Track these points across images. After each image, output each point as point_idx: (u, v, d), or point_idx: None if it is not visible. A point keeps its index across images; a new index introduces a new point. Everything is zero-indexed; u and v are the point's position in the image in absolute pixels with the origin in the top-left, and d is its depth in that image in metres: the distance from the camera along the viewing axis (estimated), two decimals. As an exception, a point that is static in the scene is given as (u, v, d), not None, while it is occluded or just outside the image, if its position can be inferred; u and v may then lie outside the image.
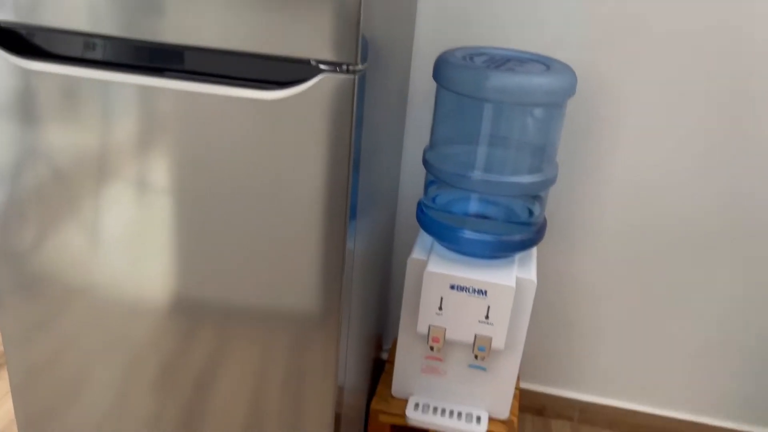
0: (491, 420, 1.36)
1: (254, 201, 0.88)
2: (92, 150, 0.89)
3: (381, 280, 1.38)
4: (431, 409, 1.35)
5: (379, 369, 1.51)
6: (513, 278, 1.21)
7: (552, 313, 1.53)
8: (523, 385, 1.60)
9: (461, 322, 1.23)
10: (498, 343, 1.23)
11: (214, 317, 0.96)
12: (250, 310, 0.95)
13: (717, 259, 1.41)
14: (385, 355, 1.61)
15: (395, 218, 1.46)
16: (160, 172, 0.89)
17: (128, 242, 0.94)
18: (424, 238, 1.33)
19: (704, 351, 1.49)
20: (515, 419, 1.37)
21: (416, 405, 1.36)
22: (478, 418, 1.34)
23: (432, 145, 1.26)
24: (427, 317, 1.24)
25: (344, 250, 0.89)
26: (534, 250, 1.34)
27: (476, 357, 1.27)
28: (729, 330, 1.46)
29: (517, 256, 1.30)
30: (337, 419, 1.03)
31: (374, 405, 1.37)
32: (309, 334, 0.96)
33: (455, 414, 1.34)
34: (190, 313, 0.97)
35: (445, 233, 1.24)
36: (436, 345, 1.26)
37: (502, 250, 1.24)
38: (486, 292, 1.20)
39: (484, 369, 1.31)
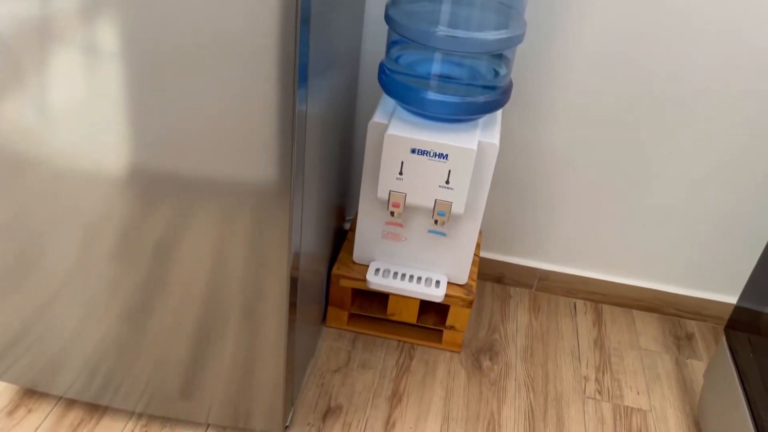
0: (450, 284, 1.38)
1: (203, 60, 0.82)
2: (35, 16, 0.81)
3: (343, 146, 1.34)
4: (391, 273, 1.37)
5: (342, 238, 1.51)
6: (475, 141, 1.18)
7: (514, 181, 1.52)
8: (483, 254, 1.63)
9: (422, 186, 1.21)
10: (458, 208, 1.23)
11: (169, 186, 0.92)
12: (206, 179, 0.91)
13: (683, 132, 1.39)
14: (348, 225, 1.60)
15: (357, 81, 1.41)
16: (108, 35, 0.81)
17: (79, 111, 0.88)
18: (387, 102, 1.29)
19: (665, 221, 1.51)
20: (474, 283, 1.40)
21: (377, 270, 1.37)
22: (437, 282, 1.36)
23: (395, 1, 1.18)
24: (387, 182, 1.22)
25: (294, 112, 0.84)
26: (499, 115, 1.31)
27: (436, 222, 1.26)
28: (690, 200, 1.47)
29: (481, 120, 1.26)
30: (293, 283, 1.03)
31: (335, 270, 1.38)
32: (263, 202, 0.93)
33: (415, 278, 1.36)
34: (146, 183, 0.93)
35: (408, 95, 1.19)
36: (396, 210, 1.25)
37: (465, 112, 1.20)
38: (447, 155, 1.18)
39: (443, 234, 1.32)
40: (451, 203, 1.22)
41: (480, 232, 1.59)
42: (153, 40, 0.81)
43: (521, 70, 1.38)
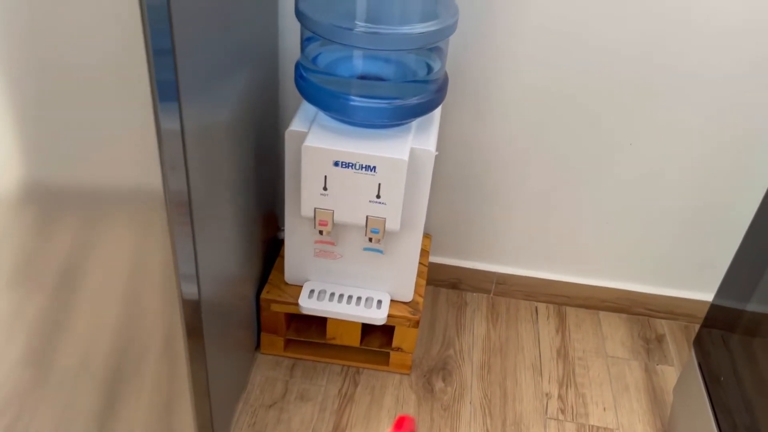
0: (393, 303, 1.25)
1: (76, 77, 0.66)
2: None
3: (265, 154, 1.19)
4: (327, 295, 1.23)
5: (276, 251, 1.36)
6: (406, 150, 1.03)
7: (462, 181, 1.38)
8: (435, 260, 1.49)
9: (350, 202, 1.07)
10: (393, 224, 1.08)
11: (60, 205, 0.78)
12: (84, 192, 0.76)
13: (644, 121, 1.25)
14: (283, 235, 1.45)
15: (278, 82, 1.25)
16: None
17: None
18: (308, 106, 1.13)
19: (629, 216, 1.38)
20: (420, 300, 1.26)
21: (311, 292, 1.23)
22: (379, 303, 1.22)
23: (306, -10, 1.02)
24: (310, 198, 1.08)
25: (158, 129, 0.69)
26: (436, 115, 1.16)
27: (370, 240, 1.12)
28: (656, 193, 1.34)
29: (416, 122, 1.11)
30: (193, 307, 0.88)
31: (264, 294, 1.24)
32: (148, 220, 0.78)
33: (354, 299, 1.22)
34: (41, 204, 0.78)
35: (328, 101, 1.04)
36: (324, 228, 1.11)
37: (396, 116, 1.05)
38: (375, 168, 1.03)
39: (380, 251, 1.18)
40: (384, 219, 1.08)
41: (429, 236, 1.45)
42: (29, 59, 0.66)
43: (459, 58, 1.22)
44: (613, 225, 1.40)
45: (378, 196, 1.06)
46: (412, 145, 1.06)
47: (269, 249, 1.32)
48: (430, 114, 1.14)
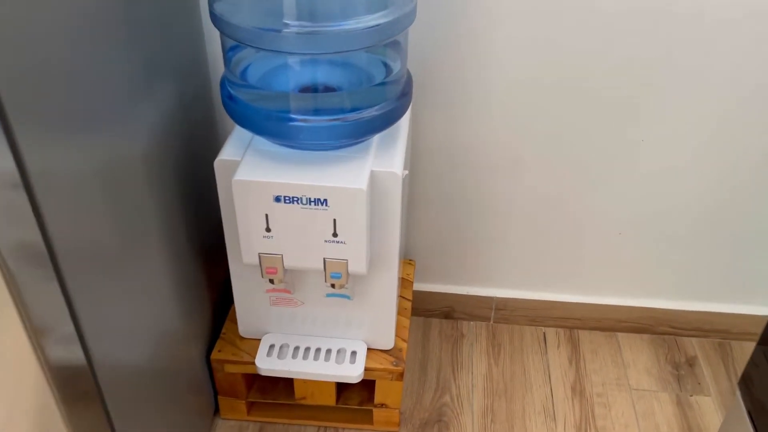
0: (372, 352, 1.04)
1: None
2: None
3: (202, 187, 0.98)
4: (290, 350, 1.02)
5: (230, 297, 1.15)
6: (364, 176, 0.82)
7: (443, 200, 1.17)
8: (422, 287, 1.28)
9: (301, 243, 0.86)
10: (357, 266, 0.88)
11: None
12: None
13: (645, 115, 1.04)
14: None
15: (211, 100, 1.03)
16: None
17: None
18: (243, 130, 0.92)
19: (644, 224, 1.17)
20: (404, 345, 1.06)
21: (271, 347, 1.03)
22: (353, 355, 1.02)
23: (222, -16, 0.81)
24: (252, 242, 0.87)
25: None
26: (402, 125, 0.95)
27: (333, 286, 0.91)
28: (673, 196, 1.13)
29: (377, 137, 0.90)
30: (74, 380, 0.68)
31: (215, 354, 1.03)
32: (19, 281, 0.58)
33: (322, 353, 1.02)
34: None
35: (263, 123, 0.83)
36: (274, 276, 0.90)
37: (351, 134, 0.84)
38: (326, 201, 0.82)
39: (347, 297, 0.97)
40: (345, 261, 0.87)
41: (412, 262, 1.24)
42: None
43: (423, 53, 1.01)
44: (626, 234, 1.18)
45: (335, 234, 0.85)
46: (374, 168, 0.85)
47: (220, 297, 1.12)
48: (395, 125, 0.93)
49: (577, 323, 1.30)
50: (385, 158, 0.87)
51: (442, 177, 1.14)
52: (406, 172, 0.91)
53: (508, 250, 1.23)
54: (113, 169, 0.72)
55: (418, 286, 1.28)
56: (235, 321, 1.07)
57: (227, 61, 0.85)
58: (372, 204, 0.87)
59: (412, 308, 1.28)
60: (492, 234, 1.21)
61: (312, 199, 0.82)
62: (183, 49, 0.91)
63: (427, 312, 1.32)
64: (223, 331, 1.07)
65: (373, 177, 0.85)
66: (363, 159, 0.85)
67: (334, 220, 0.83)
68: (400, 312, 1.11)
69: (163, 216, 0.86)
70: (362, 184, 0.81)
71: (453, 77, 1.03)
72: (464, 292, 1.28)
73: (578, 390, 1.18)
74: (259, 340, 1.04)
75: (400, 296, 1.15)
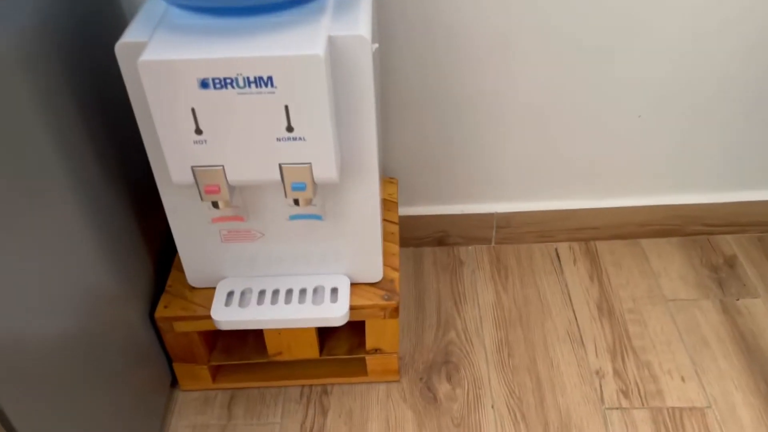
0: (356, 287, 0.83)
1: None
2: None
3: (107, 94, 0.75)
4: (254, 295, 0.81)
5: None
6: (319, 39, 0.60)
7: (426, 99, 0.95)
8: (408, 211, 1.08)
9: (246, 146, 0.64)
10: (325, 170, 0.66)
11: None
12: None
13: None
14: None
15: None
16: None
17: None
18: (153, 7, 0.69)
19: (663, 105, 0.97)
20: (395, 275, 0.85)
21: (229, 295, 0.81)
22: (334, 291, 0.81)
23: None
24: (180, 153, 0.64)
25: None
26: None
27: (296, 203, 0.70)
28: (696, 68, 0.92)
29: (331, 0, 0.68)
30: None
31: (160, 312, 0.82)
32: None
33: (295, 294, 0.81)
34: None
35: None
36: (217, 197, 0.68)
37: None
38: (271, 80, 0.60)
39: (317, 217, 0.75)
40: (309, 166, 0.66)
41: (394, 181, 1.03)
42: None
43: None
44: (645, 119, 0.98)
45: (289, 129, 0.63)
46: (332, 33, 0.62)
47: (162, 244, 0.90)
48: (355, -18, 0.71)
49: (593, 233, 1.10)
50: (346, 21, 0.65)
51: (419, 71, 0.92)
52: (376, 45, 0.69)
53: (506, 155, 1.02)
54: None
55: (404, 211, 1.08)
56: (181, 270, 0.85)
57: None
58: (336, 86, 0.65)
59: (399, 237, 1.07)
60: (485, 138, 1.00)
61: (251, 80, 0.60)
62: None
63: (417, 240, 1.11)
64: (168, 283, 0.86)
65: (333, 45, 0.62)
66: (315, 21, 0.63)
67: (286, 108, 0.61)
68: (386, 238, 0.90)
69: (60, 140, 0.63)
70: (318, 48, 0.59)
71: (422, -70, 0.80)
72: (458, 212, 1.08)
73: (605, 309, 1.00)
74: (214, 288, 0.83)
75: (385, 219, 0.94)
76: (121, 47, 0.63)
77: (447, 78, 0.93)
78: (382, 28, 0.88)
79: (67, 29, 0.67)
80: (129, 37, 0.63)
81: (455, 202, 1.08)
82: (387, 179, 1.03)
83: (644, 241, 1.11)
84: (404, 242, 1.11)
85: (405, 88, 0.94)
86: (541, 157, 1.03)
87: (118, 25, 0.80)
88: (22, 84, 0.58)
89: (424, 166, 1.03)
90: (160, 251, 0.88)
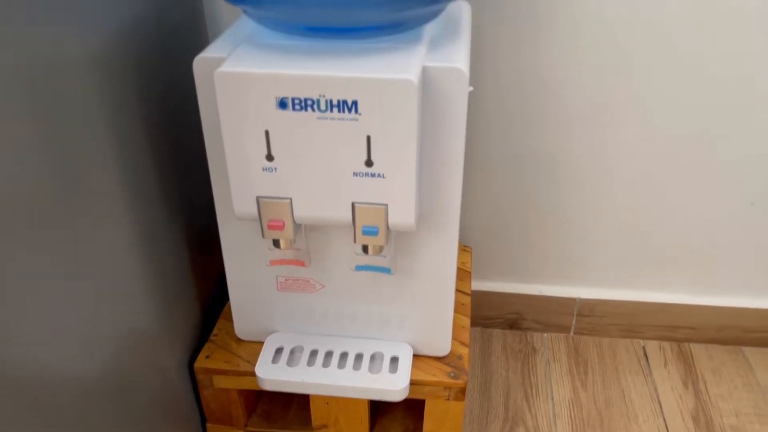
0: (419, 360, 0.73)
1: None
2: None
3: (180, 118, 0.71)
4: (305, 355, 0.72)
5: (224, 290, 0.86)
6: (414, 66, 0.54)
7: (508, 165, 0.88)
8: (480, 286, 0.98)
9: (319, 178, 0.58)
10: (402, 215, 0.58)
11: None
12: None
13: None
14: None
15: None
16: None
17: None
18: (241, 23, 0.66)
19: (763, 196, 0.86)
20: (464, 352, 0.75)
21: (278, 352, 0.73)
22: (393, 362, 0.71)
23: None
24: (246, 179, 0.58)
25: None
26: (464, 23, 0.67)
27: (365, 250, 0.62)
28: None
29: (428, 31, 0.63)
30: None
31: (200, 362, 0.74)
32: None
33: (350, 358, 0.71)
34: None
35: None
36: (280, 235, 0.61)
37: (391, 3, 0.56)
38: (356, 105, 0.54)
39: (386, 271, 0.67)
40: (385, 207, 0.58)
41: (468, 249, 0.94)
42: None
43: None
44: (760, 204, 0.87)
45: (369, 163, 0.56)
46: (427, 63, 0.56)
47: (215, 288, 0.83)
48: (455, 17, 0.66)
49: (688, 333, 0.97)
50: (443, 53, 0.59)
51: (505, 129, 0.85)
52: (471, 88, 0.62)
53: (594, 233, 0.92)
54: (47, 81, 0.46)
55: (475, 285, 0.98)
56: (231, 319, 0.77)
57: None
58: (425, 121, 0.58)
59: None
60: (572, 211, 0.91)
61: (334, 103, 0.54)
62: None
63: (487, 320, 1.01)
64: (214, 332, 0.78)
65: (427, 76, 0.56)
66: (410, 49, 0.57)
67: (368, 138, 0.55)
68: (456, 309, 0.81)
69: (124, 159, 0.58)
70: (411, 74, 0.53)
71: (527, -18, 0.76)
72: (536, 293, 0.98)
73: (703, 422, 0.86)
74: (262, 343, 0.75)
75: (457, 290, 0.84)
76: (199, 62, 0.59)
77: (535, 140, 0.86)
78: (470, 78, 0.83)
79: (149, 42, 0.63)
80: (209, 52, 0.59)
81: (533, 281, 0.97)
82: (461, 246, 0.94)
83: (748, 350, 0.97)
84: (472, 320, 1.01)
85: (488, 146, 0.87)
86: (632, 240, 0.92)
87: (197, 43, 0.77)
88: (93, 90, 0.54)
89: (501, 236, 0.94)
90: (209, 297, 0.81)
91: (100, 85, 0.55)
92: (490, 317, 1.00)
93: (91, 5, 0.53)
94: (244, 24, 0.65)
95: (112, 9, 0.57)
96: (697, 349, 0.97)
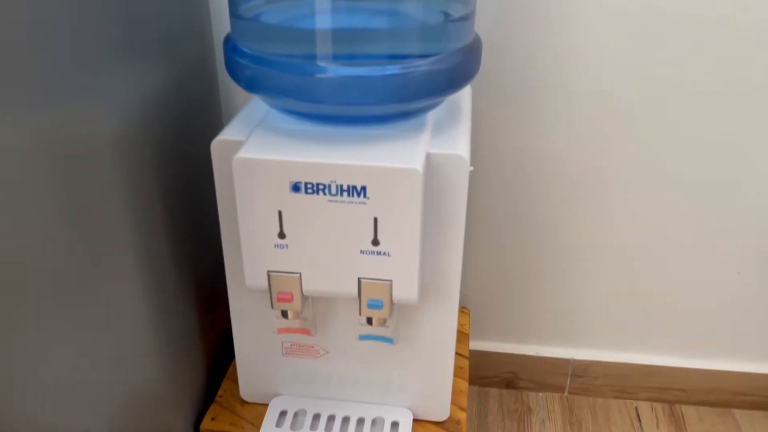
0: (419, 425, 0.76)
1: None
2: None
3: (193, 190, 0.75)
4: (308, 419, 0.74)
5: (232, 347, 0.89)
6: (418, 155, 0.58)
7: (506, 230, 0.92)
8: (478, 346, 1.01)
9: (328, 256, 0.61)
10: (405, 290, 0.62)
11: None
12: None
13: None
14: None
15: (215, 75, 0.81)
16: None
17: None
18: (255, 106, 0.70)
19: (751, 265, 0.90)
20: (462, 417, 0.77)
21: (281, 415, 0.75)
22: (394, 427, 0.74)
23: None
24: (259, 255, 0.62)
25: None
26: (464, 104, 0.71)
27: (369, 322, 0.65)
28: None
29: (431, 118, 0.67)
30: None
31: (206, 424, 0.76)
32: None
33: (352, 424, 0.74)
34: None
35: (278, 78, 0.60)
36: (288, 306, 0.64)
37: (398, 92, 0.60)
38: (365, 190, 0.57)
39: (389, 341, 0.70)
40: (389, 283, 0.61)
41: (466, 311, 0.97)
42: None
43: (492, 34, 0.79)
44: (747, 273, 0.91)
45: (375, 242, 0.60)
46: (431, 150, 0.60)
47: (220, 349, 0.85)
48: (457, 100, 0.70)
49: (679, 395, 1.00)
50: (445, 139, 0.63)
51: (505, 195, 0.89)
52: (472, 168, 0.66)
53: (589, 296, 0.96)
54: (70, 158, 0.49)
55: (473, 345, 1.01)
56: (235, 380, 0.80)
57: (234, 10, 0.63)
58: (427, 203, 0.62)
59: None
60: (568, 274, 0.94)
61: (344, 188, 0.57)
62: (180, 14, 0.70)
63: (484, 379, 1.03)
64: (220, 393, 0.80)
65: (430, 162, 0.60)
66: (415, 137, 0.61)
67: (375, 220, 0.59)
68: (455, 372, 0.83)
69: (140, 229, 0.62)
70: (417, 163, 0.56)
71: (526, 65, 0.80)
72: (532, 353, 1.00)
73: (694, 485, 0.88)
74: (266, 405, 0.77)
75: (456, 352, 0.87)
76: (216, 144, 0.63)
77: (533, 206, 0.90)
78: (471, 152, 0.87)
79: (166, 121, 0.67)
80: (226, 135, 0.63)
81: (529, 341, 1.00)
82: (460, 308, 0.97)
83: (738, 412, 0.99)
84: (470, 379, 1.03)
85: (487, 211, 0.91)
86: (627, 304, 0.96)
87: (211, 123, 0.81)
88: (113, 164, 0.57)
89: (498, 297, 0.97)
90: (215, 357, 0.84)
91: (119, 158, 0.59)
92: (488, 376, 1.03)
93: (114, 81, 0.57)
94: (257, 104, 0.69)
95: (134, 87, 0.61)
96: (689, 411, 1.00)
